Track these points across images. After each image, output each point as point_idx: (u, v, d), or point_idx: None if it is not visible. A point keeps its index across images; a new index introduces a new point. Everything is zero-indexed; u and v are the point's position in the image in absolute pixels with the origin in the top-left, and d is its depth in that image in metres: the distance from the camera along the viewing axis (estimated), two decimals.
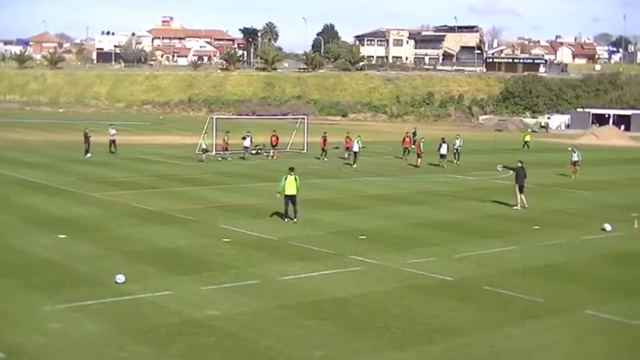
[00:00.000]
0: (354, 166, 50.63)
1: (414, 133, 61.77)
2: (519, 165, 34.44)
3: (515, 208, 33.52)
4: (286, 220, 28.70)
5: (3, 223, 27.43)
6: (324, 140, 55.39)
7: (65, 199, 33.55)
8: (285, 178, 28.65)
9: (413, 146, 56.28)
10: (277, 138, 56.35)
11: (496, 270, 22.15)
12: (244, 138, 54.83)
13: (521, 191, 33.88)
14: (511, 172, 34.94)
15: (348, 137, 55.45)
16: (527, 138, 72.27)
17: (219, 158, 53.05)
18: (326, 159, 54.41)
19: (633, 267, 23.11)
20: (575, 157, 46.44)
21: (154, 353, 14.81)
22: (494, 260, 23.42)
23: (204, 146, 52.19)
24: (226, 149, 53.74)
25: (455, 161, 53.86)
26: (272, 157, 54.92)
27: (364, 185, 41.36)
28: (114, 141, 56.57)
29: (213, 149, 53.14)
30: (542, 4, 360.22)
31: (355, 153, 51.47)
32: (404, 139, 57.95)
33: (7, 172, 42.42)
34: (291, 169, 29.07)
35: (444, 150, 52.53)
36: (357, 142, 51.61)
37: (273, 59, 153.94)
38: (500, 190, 39.02)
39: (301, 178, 29.65)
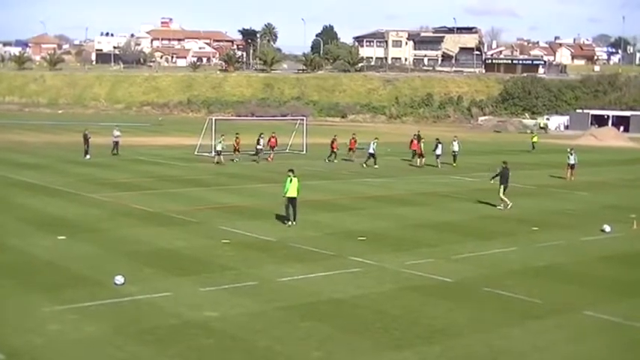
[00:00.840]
0: (376, 166, 51.17)
1: (419, 136, 60.41)
2: (504, 166, 34.65)
3: (500, 208, 33.68)
4: (287, 223, 28.50)
5: (2, 224, 27.41)
6: (333, 142, 55.13)
7: (64, 201, 33.54)
8: (290, 181, 28.55)
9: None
10: (276, 140, 56.17)
11: (495, 271, 22.15)
12: (259, 141, 54.43)
13: (504, 191, 34.07)
14: (498, 175, 34.88)
15: (353, 138, 55.52)
16: (535, 139, 73.19)
17: (233, 160, 52.72)
18: (328, 160, 54.17)
19: (632, 268, 23.12)
20: (572, 160, 46.29)
21: (152, 354, 14.81)
22: (493, 261, 23.43)
23: (219, 148, 51.58)
24: (237, 150, 53.49)
25: (452, 163, 53.74)
26: (268, 158, 54.40)
27: (363, 186, 41.35)
28: (117, 143, 56.29)
29: (213, 150, 52.91)
30: (541, 6, 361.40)
31: (371, 154, 51.80)
32: (411, 141, 56.35)
33: (7, 174, 42.41)
34: (291, 171, 29.02)
35: (439, 150, 52.89)
36: (373, 143, 51.89)
37: (272, 60, 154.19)
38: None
39: (300, 180, 29.61)
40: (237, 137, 53.56)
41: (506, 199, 34.08)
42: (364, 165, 51.36)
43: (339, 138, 56.94)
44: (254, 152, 54.36)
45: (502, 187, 34.16)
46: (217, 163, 50.64)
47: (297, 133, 63.65)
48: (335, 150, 54.82)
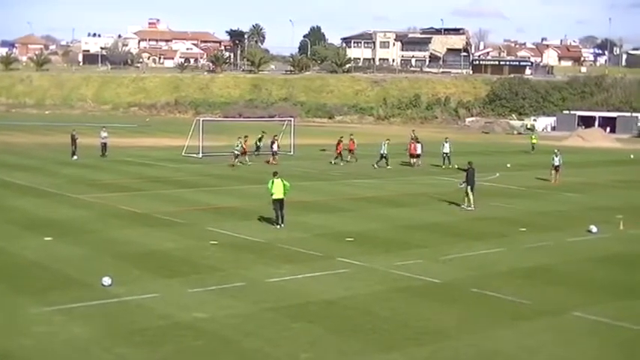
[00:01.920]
0: (389, 167, 51.49)
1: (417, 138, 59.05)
2: (469, 166, 34.81)
3: (470, 209, 33.72)
4: (277, 226, 28.37)
5: None
6: (338, 144, 54.91)
7: (52, 202, 33.41)
8: (272, 182, 28.47)
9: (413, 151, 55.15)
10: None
11: (483, 272, 22.19)
12: (273, 142, 54.37)
13: (471, 191, 34.21)
14: (464, 181, 34.93)
15: (352, 140, 55.47)
16: (535, 141, 73.38)
17: (243, 163, 52.20)
18: (342, 163, 53.88)
19: (620, 268, 23.19)
20: (556, 162, 46.17)
21: (141, 356, 14.76)
22: (482, 262, 23.47)
23: (237, 151, 51.23)
24: (245, 153, 53.18)
25: (443, 165, 53.42)
26: (270, 161, 53.92)
27: (352, 187, 41.36)
28: (105, 144, 55.95)
29: (200, 151, 52.57)
30: (528, 7, 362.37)
31: (382, 155, 51.99)
32: (410, 144, 55.03)
33: None
34: (275, 174, 28.96)
35: (419, 150, 53.54)
36: (384, 144, 51.98)
37: (260, 61, 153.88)
38: (487, 192, 39.09)
39: (289, 181, 29.57)
40: (245, 139, 53.15)
41: (470, 200, 34.15)
42: (375, 166, 51.40)
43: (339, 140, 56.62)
44: (256, 152, 54.92)
45: (468, 186, 34.28)
46: (234, 164, 50.41)
47: (285, 134, 63.51)
48: (340, 152, 54.58)
